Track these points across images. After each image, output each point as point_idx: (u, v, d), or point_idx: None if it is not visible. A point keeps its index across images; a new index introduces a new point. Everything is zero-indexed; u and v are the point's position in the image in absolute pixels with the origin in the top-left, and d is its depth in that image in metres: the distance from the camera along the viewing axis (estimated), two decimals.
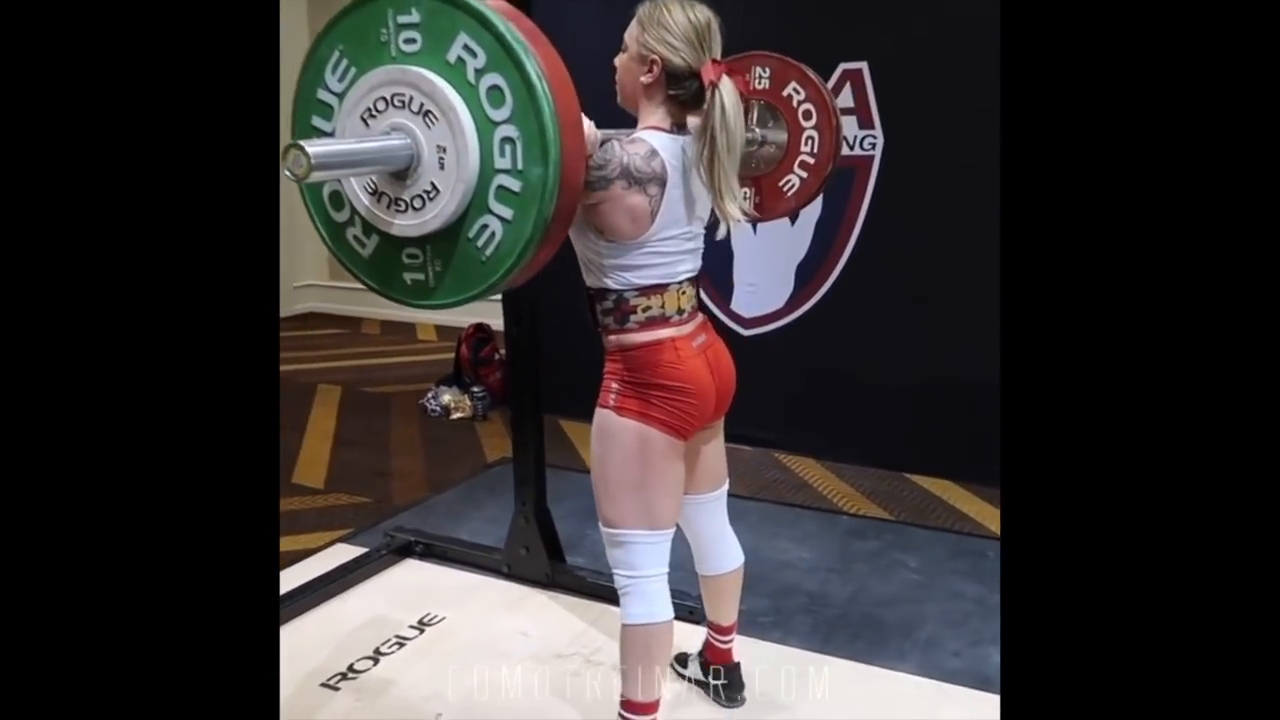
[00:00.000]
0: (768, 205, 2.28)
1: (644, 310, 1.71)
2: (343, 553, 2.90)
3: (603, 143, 1.61)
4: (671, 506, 1.78)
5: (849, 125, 3.30)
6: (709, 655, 2.15)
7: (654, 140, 1.65)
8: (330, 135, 1.37)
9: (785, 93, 2.20)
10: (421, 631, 2.47)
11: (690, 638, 2.23)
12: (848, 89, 3.34)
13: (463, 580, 2.75)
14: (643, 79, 1.68)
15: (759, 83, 2.21)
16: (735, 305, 3.73)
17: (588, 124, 1.57)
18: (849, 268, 3.47)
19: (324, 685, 2.23)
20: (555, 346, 2.97)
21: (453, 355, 4.66)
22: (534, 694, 2.18)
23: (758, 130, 2.18)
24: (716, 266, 3.68)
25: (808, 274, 3.59)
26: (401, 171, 1.32)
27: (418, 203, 1.33)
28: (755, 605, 2.59)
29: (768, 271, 3.65)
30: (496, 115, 1.27)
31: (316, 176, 1.21)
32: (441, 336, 6.06)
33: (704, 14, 1.67)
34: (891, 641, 2.41)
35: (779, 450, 3.82)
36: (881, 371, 3.38)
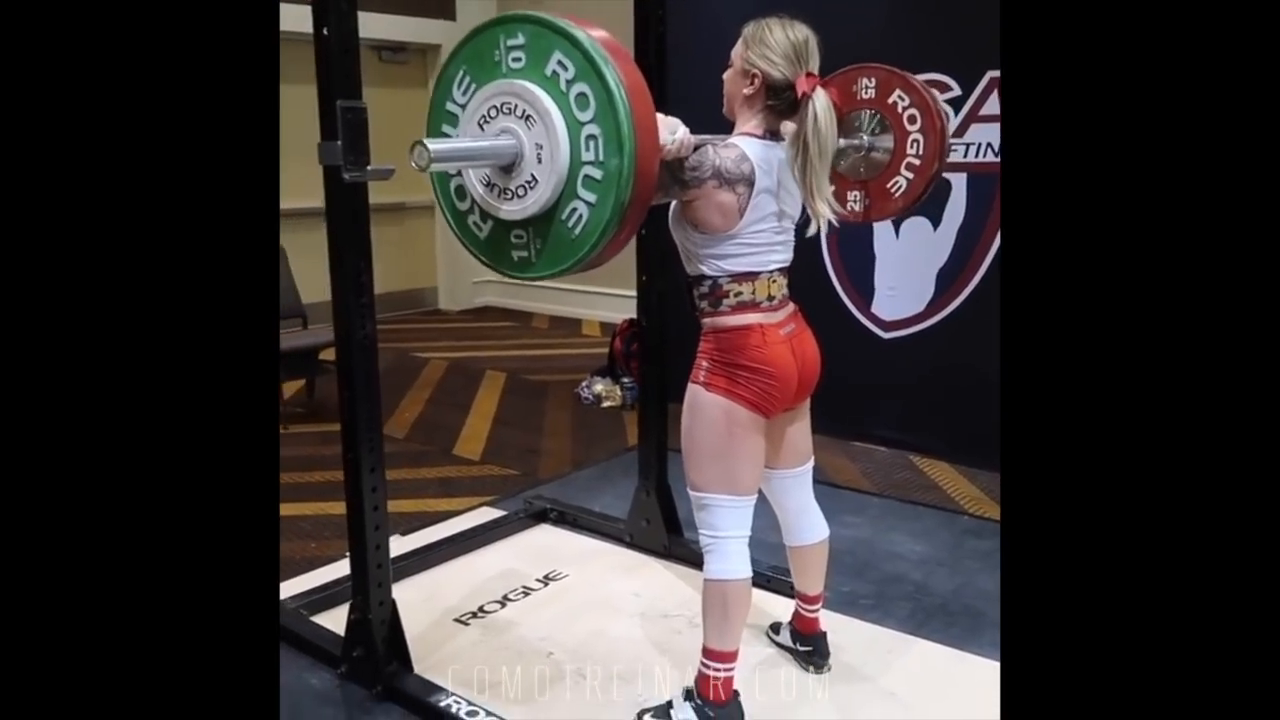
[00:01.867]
0: (877, 207, 2.40)
1: (735, 295, 1.89)
2: (487, 515, 3.22)
3: (698, 147, 1.80)
4: (752, 475, 1.94)
5: (991, 133, 3.33)
6: (797, 624, 2.29)
7: (745, 145, 1.84)
8: (456, 138, 1.66)
9: (890, 100, 2.32)
10: (546, 585, 2.74)
11: (784, 608, 2.38)
12: (993, 97, 3.37)
13: (588, 545, 3.00)
14: (745, 91, 1.88)
15: (865, 92, 2.35)
16: (875, 308, 3.80)
17: (683, 128, 1.77)
18: (990, 274, 3.48)
19: (456, 620, 2.53)
20: (685, 340, 3.17)
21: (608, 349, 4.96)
22: (637, 645, 2.40)
23: (864, 137, 2.32)
24: (858, 270, 3.77)
25: (948, 279, 3.61)
26: (508, 166, 1.59)
27: (521, 191, 1.59)
28: (859, 588, 2.70)
29: (909, 276, 3.70)
30: (583, 117, 1.51)
31: (435, 168, 1.51)
32: (604, 332, 6.39)
33: (802, 32, 1.86)
34: (986, 632, 2.47)
35: (913, 452, 3.86)
36: None
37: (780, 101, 1.87)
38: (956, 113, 3.36)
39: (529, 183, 1.57)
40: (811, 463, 2.17)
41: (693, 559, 2.81)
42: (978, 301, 3.49)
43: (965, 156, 3.40)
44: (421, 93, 7.21)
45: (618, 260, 1.91)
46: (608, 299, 6.37)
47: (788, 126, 1.89)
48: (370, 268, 2.11)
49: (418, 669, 2.23)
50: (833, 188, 2.32)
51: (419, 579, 2.76)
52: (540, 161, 1.55)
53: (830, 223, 1.88)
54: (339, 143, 1.97)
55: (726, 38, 1.99)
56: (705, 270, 1.91)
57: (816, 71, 1.86)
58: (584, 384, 4.80)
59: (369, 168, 2.02)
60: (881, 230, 3.76)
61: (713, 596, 1.94)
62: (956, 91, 3.37)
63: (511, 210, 1.61)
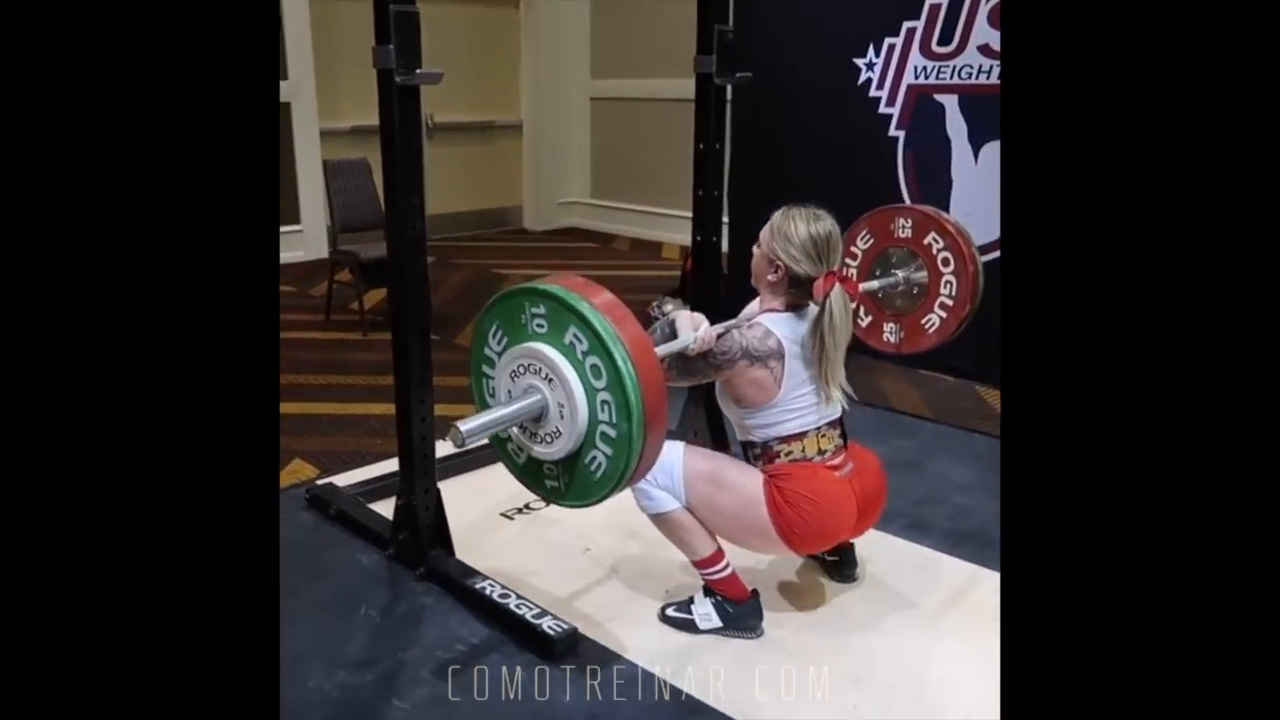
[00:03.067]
0: (911, 340, 2.55)
1: (786, 455, 1.99)
2: None
3: (723, 335, 1.93)
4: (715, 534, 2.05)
5: None
6: None
7: (769, 323, 1.96)
8: (493, 379, 1.85)
9: (925, 241, 2.44)
10: None
11: None
12: None
13: None
14: (769, 277, 1.99)
15: (901, 232, 2.49)
16: None
17: (704, 324, 1.93)
18: None
19: (502, 515, 2.66)
20: (743, 256, 3.18)
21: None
22: (670, 548, 2.47)
23: (899, 273, 2.48)
24: (934, 194, 3.70)
25: None
26: (537, 417, 1.75)
27: (548, 439, 1.76)
28: (897, 507, 2.70)
29: (985, 201, 3.61)
30: (597, 384, 1.67)
31: (470, 443, 1.68)
32: (683, 255, 6.41)
33: (825, 227, 1.94)
34: None
35: (979, 382, 3.81)
36: None
37: (800, 291, 1.97)
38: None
39: (554, 433, 1.74)
40: None
41: None
42: None
43: None
44: (502, 10, 7.20)
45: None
46: (688, 222, 6.36)
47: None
48: (421, 170, 2.18)
49: (461, 555, 2.36)
50: (870, 319, 2.57)
51: (471, 476, 2.89)
52: (563, 418, 1.71)
53: (843, 401, 2.02)
54: (391, 46, 2.04)
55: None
56: (754, 437, 2.01)
57: (838, 266, 1.96)
58: (655, 303, 4.85)
59: (419, 71, 2.08)
60: (960, 154, 3.67)
61: (660, 526, 2.05)
62: None
63: (541, 452, 1.78)
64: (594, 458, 1.72)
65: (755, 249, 2.02)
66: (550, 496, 1.86)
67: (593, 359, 1.65)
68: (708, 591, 2.09)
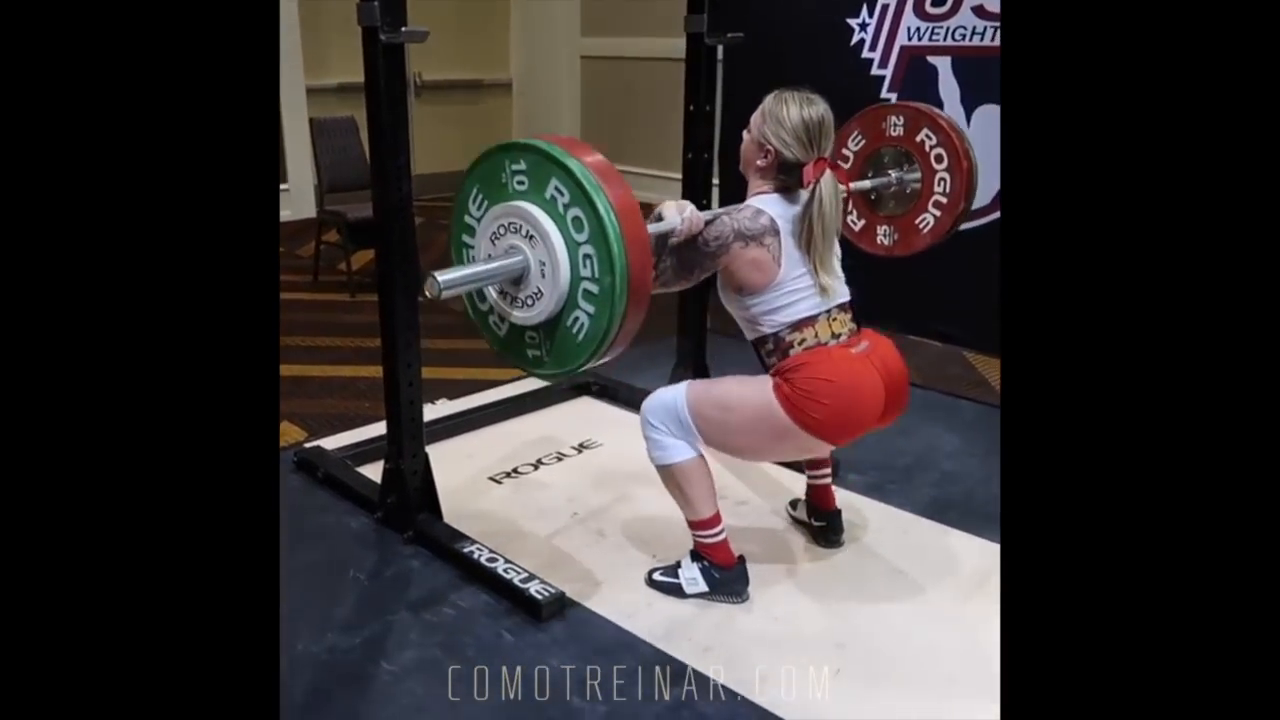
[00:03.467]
0: (905, 241, 2.50)
1: (800, 343, 1.93)
2: (533, 385, 3.32)
3: (711, 221, 1.88)
4: (730, 454, 2.07)
5: None
6: (812, 498, 2.35)
7: (759, 203, 1.91)
8: (473, 248, 1.82)
9: (918, 138, 2.39)
10: (579, 452, 2.84)
11: (803, 486, 2.43)
12: None
13: (626, 418, 3.08)
14: (758, 162, 1.94)
15: (894, 130, 2.44)
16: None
17: (690, 207, 1.87)
18: None
19: (490, 479, 2.66)
20: None
21: None
22: (658, 512, 2.48)
23: (893, 174, 2.43)
24: None
25: None
26: (518, 279, 1.73)
27: (529, 301, 1.73)
28: (885, 474, 2.73)
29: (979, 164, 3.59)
30: (579, 238, 1.63)
31: (447, 294, 1.68)
32: None
33: (818, 111, 1.88)
34: None
35: (969, 349, 3.81)
36: None
37: (790, 178, 1.92)
38: None
39: (535, 294, 1.72)
40: None
41: None
42: None
43: None
44: None
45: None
46: (680, 185, 6.30)
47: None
48: (406, 129, 2.15)
49: (449, 519, 2.36)
50: (863, 223, 2.51)
51: (461, 439, 2.90)
52: (544, 276, 1.69)
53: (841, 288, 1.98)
54: (376, 3, 2.00)
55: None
56: (764, 330, 1.95)
57: (829, 152, 1.92)
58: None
59: (404, 29, 2.05)
60: (954, 115, 3.63)
61: (667, 480, 2.04)
62: None
63: (522, 316, 1.76)
64: (576, 319, 1.69)
65: (745, 134, 1.97)
66: (532, 367, 1.84)
67: (575, 211, 1.62)
68: (695, 556, 2.10)
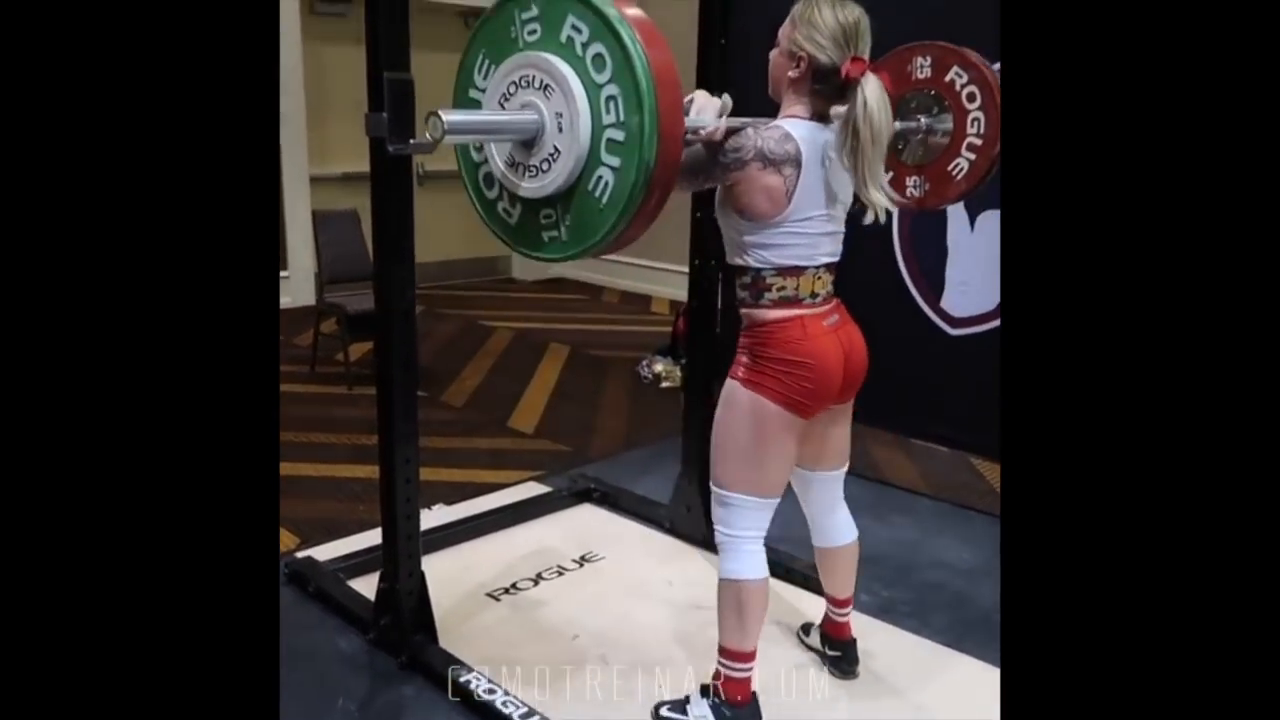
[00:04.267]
0: (938, 191, 2.28)
1: (778, 290, 1.81)
2: (533, 490, 3.24)
3: (738, 130, 1.73)
4: (780, 476, 1.89)
5: None
6: (827, 628, 2.24)
7: (789, 126, 1.76)
8: None
9: (948, 78, 2.20)
10: (581, 566, 2.73)
11: (817, 608, 2.33)
12: None
13: (628, 529, 2.99)
14: (790, 74, 1.79)
15: (921, 72, 2.23)
16: (945, 303, 3.67)
17: (723, 108, 1.71)
18: None
19: (488, 595, 2.55)
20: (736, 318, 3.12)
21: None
22: (663, 634, 2.38)
23: (922, 119, 2.21)
24: (930, 263, 3.64)
25: None
26: (529, 141, 1.55)
27: (545, 165, 1.54)
28: (898, 594, 2.63)
29: (982, 270, 3.56)
30: (600, 78, 1.46)
31: (450, 139, 1.50)
32: (674, 310, 6.35)
33: (853, 14, 1.75)
34: None
35: (976, 455, 3.74)
36: None
37: (827, 86, 1.77)
38: None
39: (552, 155, 1.53)
40: (846, 465, 2.10)
41: None
42: None
43: None
44: None
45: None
46: (679, 276, 6.29)
47: (837, 111, 1.81)
48: (412, 236, 2.11)
49: (446, 640, 2.25)
50: (890, 174, 2.21)
51: (458, 550, 2.79)
52: (561, 131, 1.50)
53: (888, 211, 1.79)
54: (385, 115, 1.98)
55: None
56: (749, 261, 1.82)
57: (867, 56, 1.77)
58: (645, 362, 4.78)
59: (413, 141, 2.02)
60: (956, 222, 3.63)
61: (728, 596, 1.91)
62: None
63: (536, 187, 1.56)
64: (599, 178, 1.48)
65: (772, 53, 1.83)
66: (549, 251, 1.62)
67: (595, 47, 1.44)
68: (705, 691, 1.98)
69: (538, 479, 3.36)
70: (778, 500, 1.90)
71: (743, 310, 1.88)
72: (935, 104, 2.23)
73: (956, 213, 3.62)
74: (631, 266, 6.99)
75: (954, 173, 2.25)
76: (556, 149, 1.52)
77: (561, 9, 1.48)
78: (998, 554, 2.93)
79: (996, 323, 3.52)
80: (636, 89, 1.41)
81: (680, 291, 6.81)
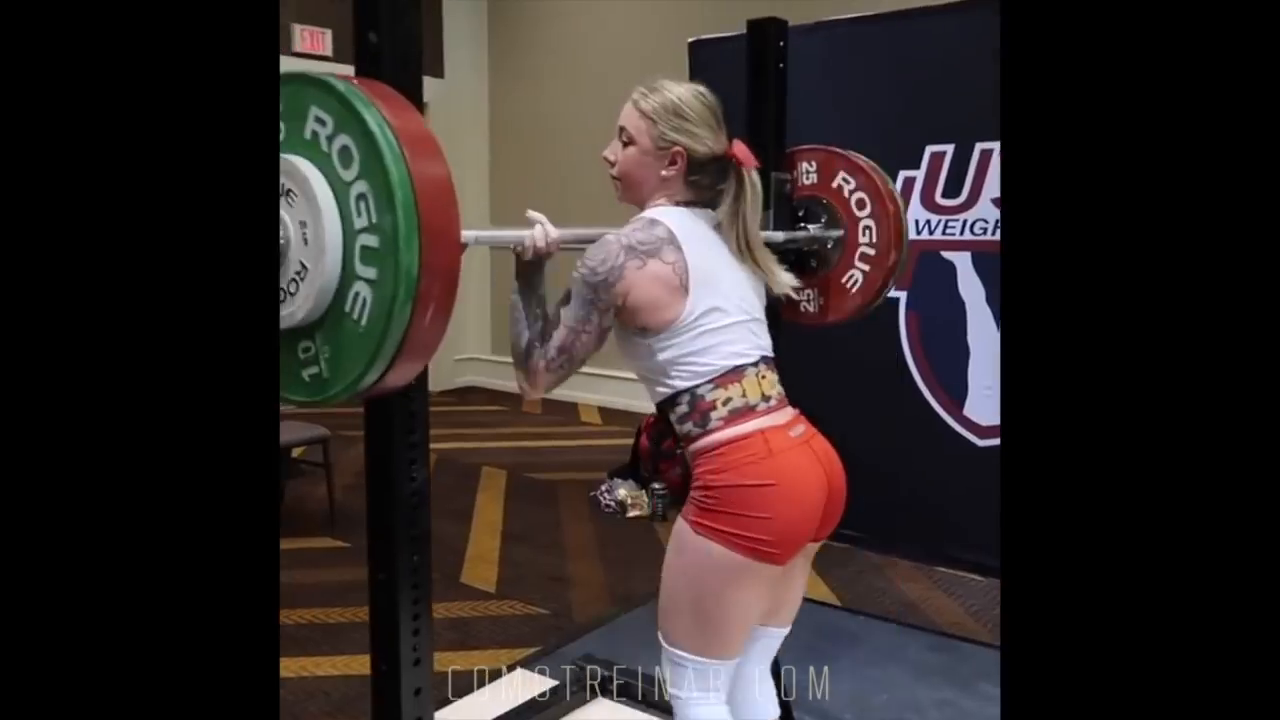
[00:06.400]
0: (833, 305, 2.10)
1: (724, 404, 1.50)
2: (524, 681, 2.54)
3: (586, 241, 1.50)
4: (738, 639, 1.54)
5: None
6: None
7: (651, 214, 1.55)
8: None
9: (835, 184, 2.07)
10: None
11: None
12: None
13: None
14: (664, 173, 1.56)
15: (806, 178, 2.10)
16: (969, 410, 3.24)
17: (542, 221, 1.47)
18: None
19: None
20: None
21: (621, 443, 4.34)
22: None
23: (810, 228, 2.05)
24: (948, 365, 3.24)
25: None
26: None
27: (293, 287, 1.23)
28: None
29: None
30: (348, 175, 1.19)
31: None
32: (606, 420, 5.78)
33: (709, 92, 1.59)
34: None
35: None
36: None
37: (704, 175, 1.58)
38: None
39: (299, 273, 1.23)
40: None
41: None
42: None
43: None
44: None
45: None
46: (609, 382, 5.73)
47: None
48: (426, 400, 1.48)
49: None
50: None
51: None
52: (307, 243, 1.21)
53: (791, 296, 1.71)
54: None
55: None
56: (676, 383, 1.52)
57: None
58: (603, 487, 4.15)
59: None
60: (977, 317, 3.24)
61: None
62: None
63: (286, 315, 1.23)
64: (356, 295, 1.20)
65: (615, 153, 1.58)
66: (313, 393, 1.27)
67: (341, 139, 1.19)
68: None
69: (526, 663, 2.67)
70: (734, 662, 1.57)
71: (691, 447, 1.53)
72: (823, 211, 2.09)
73: (977, 307, 3.24)
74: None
75: (848, 285, 2.08)
76: (303, 265, 1.22)
77: (303, 99, 1.23)
78: None
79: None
80: (386, 179, 1.14)
81: (611, 398, 6.28)
